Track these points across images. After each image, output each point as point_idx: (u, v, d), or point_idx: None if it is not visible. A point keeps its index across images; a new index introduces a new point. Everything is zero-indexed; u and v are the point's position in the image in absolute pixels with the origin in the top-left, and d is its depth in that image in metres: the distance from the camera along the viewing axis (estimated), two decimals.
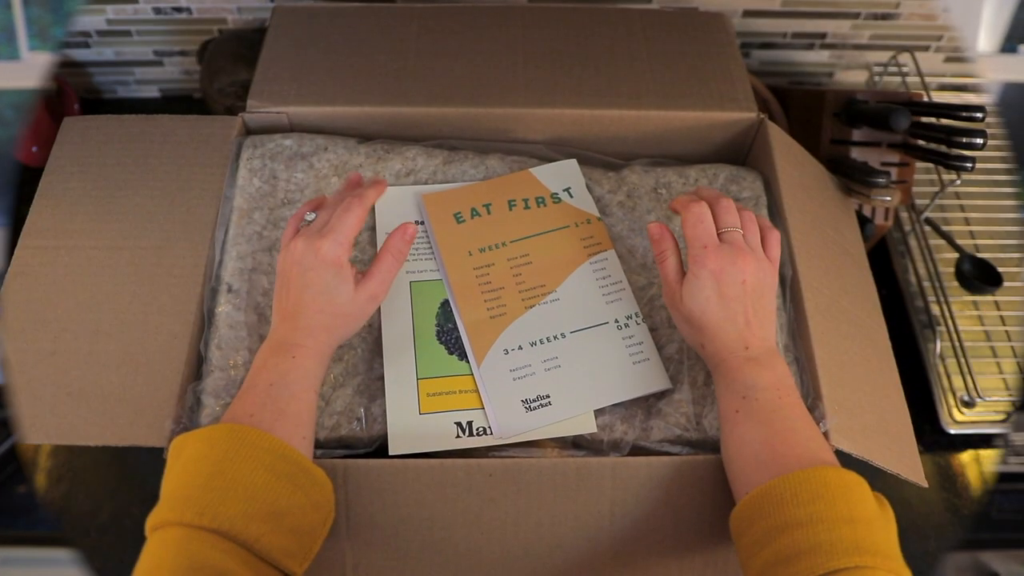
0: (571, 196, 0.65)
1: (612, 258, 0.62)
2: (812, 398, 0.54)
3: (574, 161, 0.66)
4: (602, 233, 0.63)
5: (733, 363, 0.51)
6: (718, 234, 0.53)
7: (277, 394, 0.48)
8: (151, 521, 0.43)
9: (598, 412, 0.56)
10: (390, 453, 0.53)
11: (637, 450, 0.55)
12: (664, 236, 0.55)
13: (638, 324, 0.59)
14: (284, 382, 0.49)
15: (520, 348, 0.57)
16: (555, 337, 0.58)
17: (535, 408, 0.55)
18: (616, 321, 0.59)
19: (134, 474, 0.69)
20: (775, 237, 0.56)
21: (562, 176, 0.66)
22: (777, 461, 0.46)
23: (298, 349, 0.50)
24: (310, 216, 0.55)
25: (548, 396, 0.56)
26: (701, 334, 0.52)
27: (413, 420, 0.54)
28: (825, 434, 0.52)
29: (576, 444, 0.56)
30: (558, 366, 0.57)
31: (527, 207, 0.64)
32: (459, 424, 0.54)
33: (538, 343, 0.58)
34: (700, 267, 0.52)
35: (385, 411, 0.55)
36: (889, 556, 0.42)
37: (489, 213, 0.63)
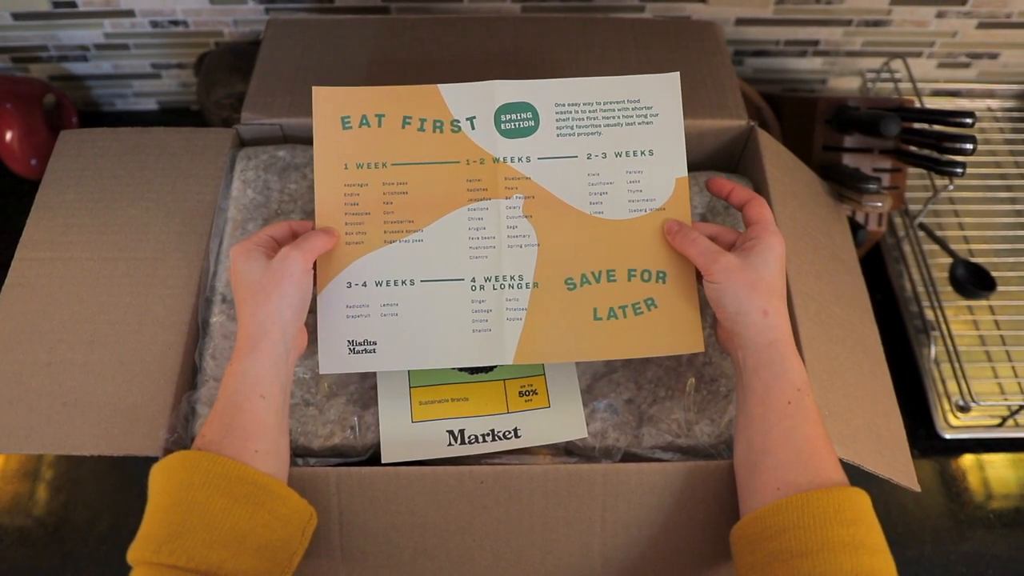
0: (473, 128, 0.57)
1: (494, 209, 0.56)
2: None
3: (493, 83, 0.58)
4: (493, 178, 0.56)
5: (789, 346, 0.50)
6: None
7: (222, 410, 0.47)
8: (128, 555, 0.43)
9: (590, 419, 0.56)
10: (383, 461, 0.53)
11: (629, 456, 0.55)
12: (683, 225, 0.55)
13: (495, 290, 0.54)
14: (226, 394, 0.47)
15: (364, 285, 0.54)
16: (403, 282, 0.54)
17: (358, 352, 0.53)
18: (473, 281, 0.54)
19: (133, 484, 0.69)
20: None
21: (472, 101, 0.57)
22: (819, 464, 0.46)
23: (235, 353, 0.49)
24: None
25: (375, 343, 0.53)
26: (768, 296, 0.50)
27: (406, 428, 0.55)
28: None
29: (568, 451, 0.56)
30: (395, 314, 0.54)
31: (421, 129, 0.57)
32: (451, 432, 0.55)
33: (384, 284, 0.54)
34: (777, 237, 0.52)
35: (378, 419, 0.55)
36: None
37: (380, 126, 0.56)
